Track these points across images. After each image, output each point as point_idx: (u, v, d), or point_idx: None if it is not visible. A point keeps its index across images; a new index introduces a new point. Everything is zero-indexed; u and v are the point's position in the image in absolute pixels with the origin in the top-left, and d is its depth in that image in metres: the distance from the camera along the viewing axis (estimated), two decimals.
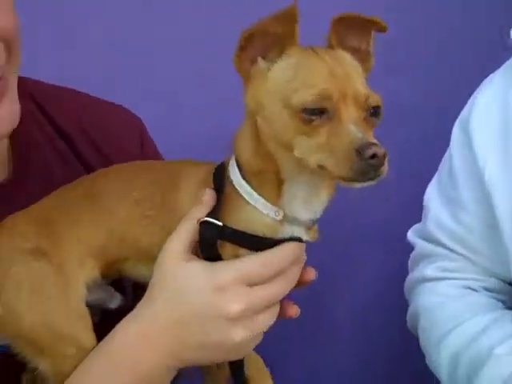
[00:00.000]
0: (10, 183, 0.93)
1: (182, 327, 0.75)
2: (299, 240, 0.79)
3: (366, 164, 0.68)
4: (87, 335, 0.79)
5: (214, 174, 0.81)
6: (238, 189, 0.78)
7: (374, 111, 0.73)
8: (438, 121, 1.30)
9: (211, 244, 0.77)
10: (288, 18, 0.72)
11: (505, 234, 0.95)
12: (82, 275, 0.81)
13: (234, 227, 0.77)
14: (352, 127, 0.70)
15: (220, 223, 0.76)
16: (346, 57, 0.77)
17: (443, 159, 1.13)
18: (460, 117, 1.10)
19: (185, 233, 0.77)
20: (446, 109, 1.20)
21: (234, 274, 0.75)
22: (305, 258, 0.83)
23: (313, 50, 0.75)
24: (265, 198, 0.77)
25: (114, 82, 1.41)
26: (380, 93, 0.75)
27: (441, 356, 0.98)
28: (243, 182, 0.78)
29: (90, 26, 1.42)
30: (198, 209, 0.78)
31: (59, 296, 0.79)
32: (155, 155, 1.14)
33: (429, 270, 1.08)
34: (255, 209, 0.77)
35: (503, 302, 1.03)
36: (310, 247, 0.84)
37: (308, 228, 0.80)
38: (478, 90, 1.08)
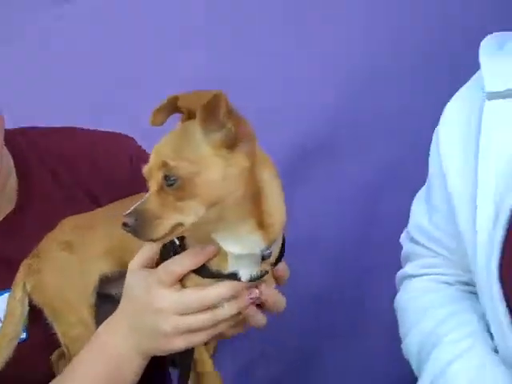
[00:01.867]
0: (14, 213, 1.21)
1: (136, 328, 0.99)
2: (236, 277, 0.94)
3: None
4: (87, 311, 1.08)
5: None
6: None
7: (169, 181, 0.85)
8: None
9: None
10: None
11: (464, 235, 1.04)
12: (96, 269, 1.10)
13: None
14: (144, 199, 0.87)
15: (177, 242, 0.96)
16: (186, 128, 0.88)
17: None
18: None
19: (145, 251, 1.00)
20: None
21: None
22: (255, 294, 0.97)
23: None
24: None
25: None
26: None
27: (410, 345, 1.09)
28: None
29: None
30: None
31: (74, 279, 1.09)
32: None
33: (409, 268, 1.19)
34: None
35: (475, 293, 1.10)
36: None
37: (260, 262, 0.94)
38: (451, 100, 1.17)
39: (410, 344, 1.08)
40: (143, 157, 1.25)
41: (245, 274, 0.95)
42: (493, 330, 0.99)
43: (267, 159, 0.93)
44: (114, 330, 1.01)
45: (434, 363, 0.99)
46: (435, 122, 1.16)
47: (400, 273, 1.22)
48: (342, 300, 1.79)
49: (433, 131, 1.17)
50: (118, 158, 1.30)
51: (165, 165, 0.85)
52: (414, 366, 1.09)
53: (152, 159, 0.88)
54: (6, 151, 1.18)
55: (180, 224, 0.86)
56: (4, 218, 1.21)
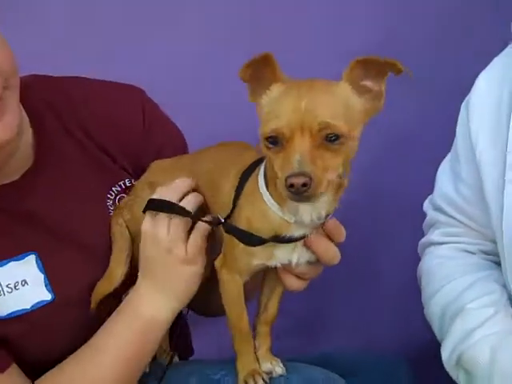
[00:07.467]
0: (32, 171, 1.14)
1: (162, 276, 1.09)
2: (296, 239, 0.97)
3: (288, 191, 0.83)
4: None
5: (245, 170, 1.01)
6: (262, 193, 0.97)
7: (330, 138, 0.85)
8: None
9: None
10: (265, 62, 0.89)
11: (490, 204, 1.08)
12: None
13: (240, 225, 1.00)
14: (296, 156, 0.83)
15: (222, 220, 1.02)
16: (335, 90, 0.89)
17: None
18: (467, 96, 1.21)
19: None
20: None
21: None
22: None
23: (294, 84, 0.89)
24: (279, 205, 0.95)
25: None
26: None
27: (433, 309, 1.14)
28: (265, 190, 0.96)
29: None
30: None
31: None
32: (162, 124, 1.30)
33: (434, 236, 1.23)
34: (272, 212, 0.96)
35: (498, 263, 1.15)
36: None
37: (315, 228, 0.96)
38: (482, 71, 1.19)
39: (434, 307, 1.13)
40: (154, 109, 1.30)
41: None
42: None
43: None
44: (146, 296, 1.10)
45: (457, 330, 1.04)
46: None
47: (424, 240, 1.26)
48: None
49: None
50: (133, 111, 1.27)
51: (328, 125, 0.84)
52: (435, 329, 1.14)
53: (304, 119, 0.84)
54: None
55: (329, 181, 0.86)
56: (22, 176, 1.13)
